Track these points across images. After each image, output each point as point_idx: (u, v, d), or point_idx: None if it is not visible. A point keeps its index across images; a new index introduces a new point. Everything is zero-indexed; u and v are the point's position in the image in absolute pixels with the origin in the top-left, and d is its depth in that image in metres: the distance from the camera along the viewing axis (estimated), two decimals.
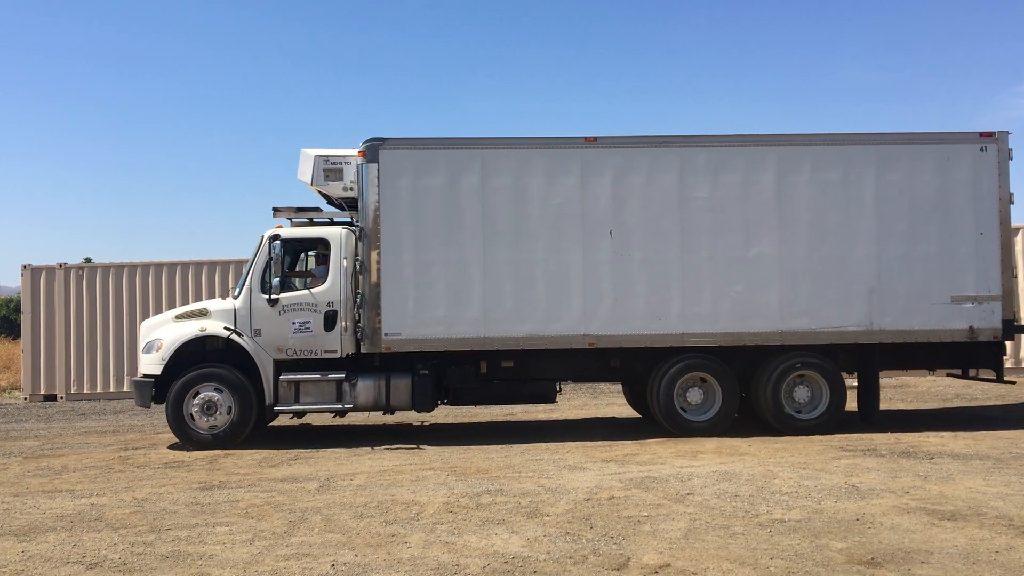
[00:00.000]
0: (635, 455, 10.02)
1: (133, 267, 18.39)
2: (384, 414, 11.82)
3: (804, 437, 10.91)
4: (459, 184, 11.15)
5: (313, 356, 11.13)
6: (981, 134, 11.42)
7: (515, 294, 11.13)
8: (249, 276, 11.28)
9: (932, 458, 9.43)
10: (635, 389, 12.89)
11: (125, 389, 18.06)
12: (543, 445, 10.83)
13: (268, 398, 11.10)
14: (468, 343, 11.13)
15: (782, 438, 10.91)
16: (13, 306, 34.93)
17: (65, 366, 18.09)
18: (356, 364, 11.29)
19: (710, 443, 10.67)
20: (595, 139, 11.28)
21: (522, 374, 11.55)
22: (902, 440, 10.59)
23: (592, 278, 11.16)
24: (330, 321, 11.10)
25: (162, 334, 11.25)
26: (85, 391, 18.06)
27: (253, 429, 11.37)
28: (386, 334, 10.99)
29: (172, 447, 11.40)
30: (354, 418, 13.09)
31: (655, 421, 12.00)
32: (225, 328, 11.11)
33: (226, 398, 10.99)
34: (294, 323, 11.07)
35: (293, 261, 11.69)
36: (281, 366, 11.14)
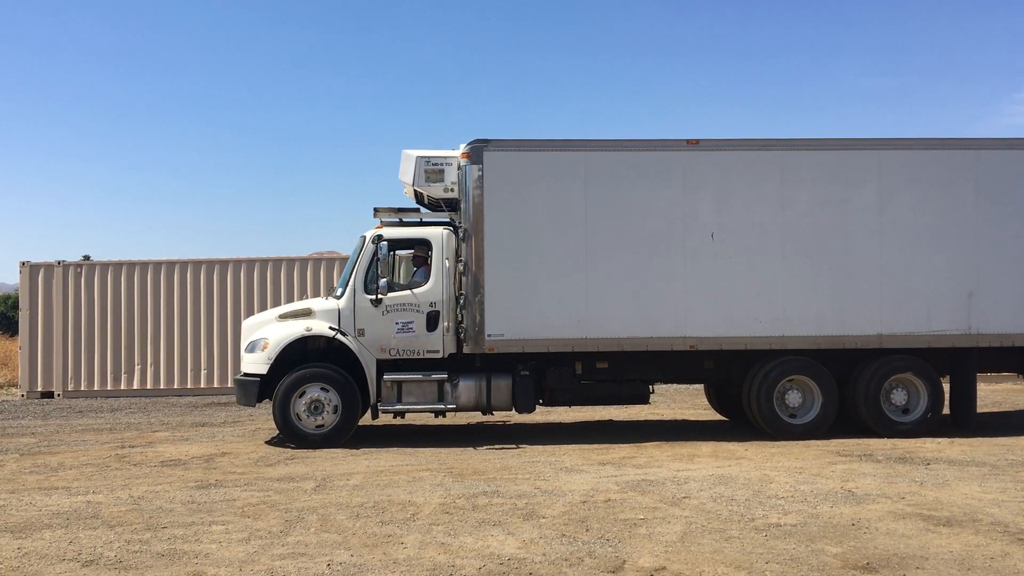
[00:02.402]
0: (632, 458, 10.03)
1: (132, 265, 18.39)
2: (483, 414, 11.84)
3: (801, 442, 10.92)
4: (562, 186, 11.20)
5: (415, 356, 11.19)
6: None
7: (617, 295, 11.14)
8: (352, 276, 11.30)
9: (928, 464, 9.45)
10: (724, 392, 12.86)
11: (122, 387, 18.09)
12: (540, 447, 10.83)
13: (372, 398, 11.15)
14: (571, 344, 11.14)
15: (779, 442, 10.93)
16: (11, 303, 34.92)
17: (63, 363, 18.07)
18: (456, 364, 11.30)
19: (707, 447, 10.69)
20: (697, 141, 11.32)
21: (616, 375, 11.56)
22: (898, 446, 10.60)
23: (693, 280, 11.18)
24: (432, 321, 11.14)
25: (267, 333, 11.25)
26: (82, 388, 18.05)
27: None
28: (489, 335, 11.00)
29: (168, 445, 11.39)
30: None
31: (742, 424, 12.08)
32: (330, 328, 11.14)
33: (333, 397, 10.98)
34: (397, 323, 11.13)
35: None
36: (382, 366, 11.18)
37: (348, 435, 11.13)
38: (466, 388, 11.18)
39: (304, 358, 11.27)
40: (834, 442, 10.87)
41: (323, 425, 11.01)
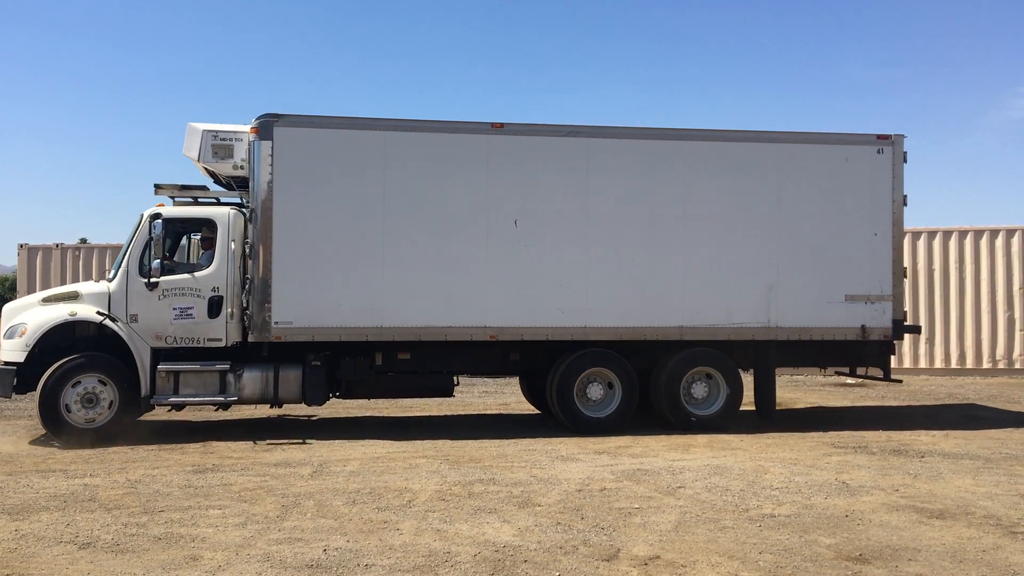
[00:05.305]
0: (627, 447, 10.06)
1: None
2: (271, 407, 11.33)
3: (796, 434, 10.95)
4: (358, 166, 10.68)
5: (196, 345, 10.50)
6: (878, 136, 11.62)
7: (416, 283, 10.73)
8: (126, 257, 10.56)
9: (923, 456, 9.49)
10: (534, 384, 12.52)
11: None
12: (536, 436, 10.86)
13: (144, 389, 10.33)
14: (365, 333, 10.67)
15: (774, 434, 10.96)
16: (9, 285, 34.90)
17: None
18: (244, 354, 10.68)
19: (702, 437, 10.72)
20: (502, 125, 11.01)
21: (419, 367, 11.12)
22: (893, 438, 10.65)
23: (495, 268, 10.89)
24: (215, 307, 10.49)
25: (27, 318, 10.40)
26: None
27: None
28: (276, 323, 10.45)
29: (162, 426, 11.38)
30: (341, 407, 13.09)
31: (552, 418, 11.79)
32: (98, 313, 10.32)
33: (106, 389, 10.26)
34: (175, 309, 10.42)
35: (175, 243, 11.06)
36: (160, 355, 10.49)
37: (127, 428, 10.48)
38: (251, 379, 10.55)
39: (73, 346, 10.45)
40: (830, 434, 10.91)
41: (94, 419, 10.21)
